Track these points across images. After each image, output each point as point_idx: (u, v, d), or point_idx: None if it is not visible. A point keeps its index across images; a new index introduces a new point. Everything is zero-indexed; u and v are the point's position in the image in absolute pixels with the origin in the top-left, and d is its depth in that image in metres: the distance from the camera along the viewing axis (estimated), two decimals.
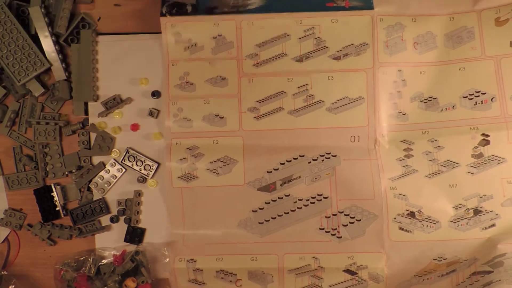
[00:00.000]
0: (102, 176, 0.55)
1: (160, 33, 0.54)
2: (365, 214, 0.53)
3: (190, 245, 0.54)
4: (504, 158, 0.52)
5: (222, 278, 0.53)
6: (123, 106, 0.56)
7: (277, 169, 0.54)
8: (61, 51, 0.56)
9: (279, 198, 0.54)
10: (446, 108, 0.53)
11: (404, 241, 0.52)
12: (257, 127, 0.54)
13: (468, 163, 0.52)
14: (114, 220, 0.55)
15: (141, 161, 0.55)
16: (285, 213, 0.54)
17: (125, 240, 0.55)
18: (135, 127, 0.56)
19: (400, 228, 0.53)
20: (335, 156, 0.54)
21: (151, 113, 0.56)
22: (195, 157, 0.54)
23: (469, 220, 0.52)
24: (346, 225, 0.53)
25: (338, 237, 0.53)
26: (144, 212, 0.55)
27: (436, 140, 0.53)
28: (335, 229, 0.53)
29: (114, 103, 0.56)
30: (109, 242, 0.55)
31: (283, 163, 0.54)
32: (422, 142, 0.53)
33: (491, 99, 0.53)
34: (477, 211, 0.52)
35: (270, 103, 0.54)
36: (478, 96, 0.53)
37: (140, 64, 0.56)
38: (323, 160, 0.54)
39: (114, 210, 0.56)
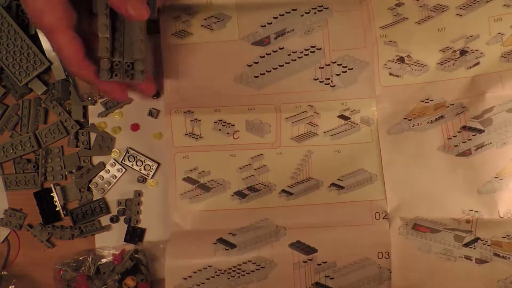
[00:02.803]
0: (102, 176, 0.56)
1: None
2: (357, 63, 0.55)
3: (186, 97, 0.55)
4: None
5: (220, 130, 0.55)
6: (123, 106, 0.56)
7: (271, 23, 0.55)
8: None
9: (273, 51, 0.55)
10: None
11: (394, 86, 0.55)
12: None
13: (457, 5, 0.53)
14: (114, 220, 0.56)
15: (141, 161, 0.55)
16: (280, 66, 0.55)
17: (125, 240, 0.55)
18: (135, 127, 0.56)
19: (390, 74, 0.55)
20: (327, 8, 0.54)
21: (151, 113, 0.56)
22: (190, 14, 0.54)
23: (455, 61, 0.54)
24: (339, 74, 0.55)
25: (331, 86, 0.55)
26: (144, 212, 0.56)
27: None
28: (329, 78, 0.55)
29: (114, 103, 0.55)
30: (109, 242, 0.55)
31: (276, 17, 0.55)
32: None
33: None
34: (463, 52, 0.54)
35: None
36: None
37: None
38: (315, 13, 0.55)
39: (114, 210, 0.56)
